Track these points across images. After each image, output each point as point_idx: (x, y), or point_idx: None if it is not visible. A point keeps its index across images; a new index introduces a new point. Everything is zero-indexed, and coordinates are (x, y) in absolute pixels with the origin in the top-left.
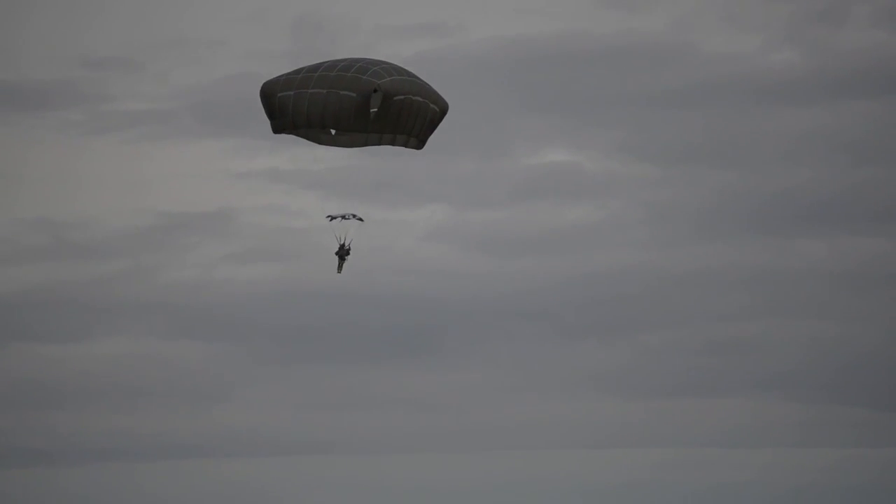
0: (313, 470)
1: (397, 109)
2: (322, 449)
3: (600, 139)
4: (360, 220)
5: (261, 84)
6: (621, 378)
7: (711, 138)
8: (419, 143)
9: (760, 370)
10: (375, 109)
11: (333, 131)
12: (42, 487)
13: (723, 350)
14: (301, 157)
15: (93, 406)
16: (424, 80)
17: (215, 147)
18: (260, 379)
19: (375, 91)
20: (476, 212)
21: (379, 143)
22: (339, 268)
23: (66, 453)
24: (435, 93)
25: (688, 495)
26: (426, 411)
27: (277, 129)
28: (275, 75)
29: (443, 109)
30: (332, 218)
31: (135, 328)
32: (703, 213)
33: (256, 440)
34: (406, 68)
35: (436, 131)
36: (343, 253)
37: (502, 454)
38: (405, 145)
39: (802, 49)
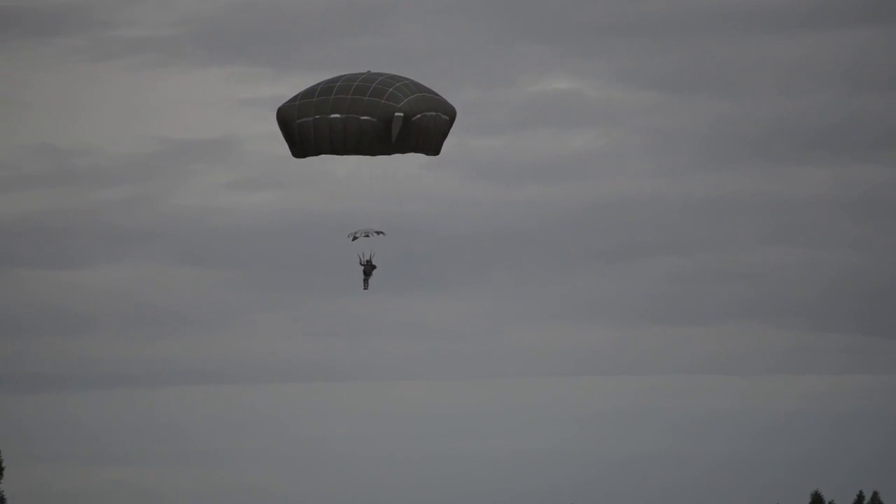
0: (316, 396)
1: (416, 130)
2: (323, 375)
3: (602, 67)
4: (383, 234)
5: (276, 108)
6: (622, 305)
7: (711, 66)
8: (433, 152)
9: (761, 297)
10: (397, 133)
11: None
12: (45, 412)
13: (723, 277)
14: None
15: (96, 332)
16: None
17: (219, 74)
18: (264, 306)
19: (397, 115)
20: (479, 139)
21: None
22: (366, 284)
23: (69, 378)
24: (444, 102)
25: (684, 421)
26: (429, 338)
27: (300, 155)
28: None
29: (452, 117)
30: (355, 237)
31: (138, 254)
32: (703, 141)
33: (261, 366)
34: (417, 81)
35: (439, 57)
36: (369, 269)
37: (505, 380)
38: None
39: None
